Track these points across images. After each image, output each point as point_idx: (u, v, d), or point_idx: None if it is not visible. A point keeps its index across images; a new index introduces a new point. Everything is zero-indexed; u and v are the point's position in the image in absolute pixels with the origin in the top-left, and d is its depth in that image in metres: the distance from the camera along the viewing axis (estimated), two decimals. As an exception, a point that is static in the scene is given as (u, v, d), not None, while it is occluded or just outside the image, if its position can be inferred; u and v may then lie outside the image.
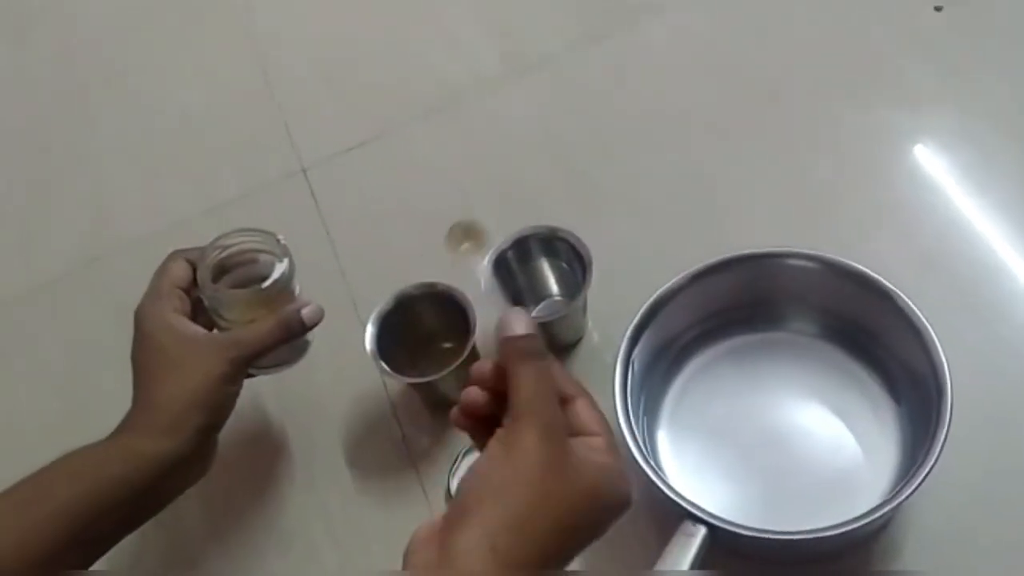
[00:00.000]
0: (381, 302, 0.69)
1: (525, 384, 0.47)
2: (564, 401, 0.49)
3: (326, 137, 0.88)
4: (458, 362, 0.66)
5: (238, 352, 0.60)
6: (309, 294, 0.78)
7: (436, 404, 0.72)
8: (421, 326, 0.71)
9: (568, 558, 0.47)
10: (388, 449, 0.71)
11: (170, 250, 0.82)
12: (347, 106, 0.90)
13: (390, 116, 0.88)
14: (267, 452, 0.72)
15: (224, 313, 0.62)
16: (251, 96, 0.91)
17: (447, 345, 0.72)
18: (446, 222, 0.81)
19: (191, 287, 0.62)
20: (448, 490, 0.68)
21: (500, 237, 0.71)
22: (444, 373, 0.66)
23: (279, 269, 0.62)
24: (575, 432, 0.48)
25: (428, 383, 0.67)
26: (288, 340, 0.62)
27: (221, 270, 0.63)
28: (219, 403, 0.60)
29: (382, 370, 0.67)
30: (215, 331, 0.63)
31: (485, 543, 0.44)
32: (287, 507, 0.70)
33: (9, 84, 0.97)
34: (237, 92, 0.92)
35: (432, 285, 0.69)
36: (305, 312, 0.62)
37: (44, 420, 0.78)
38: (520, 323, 0.48)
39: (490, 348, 0.73)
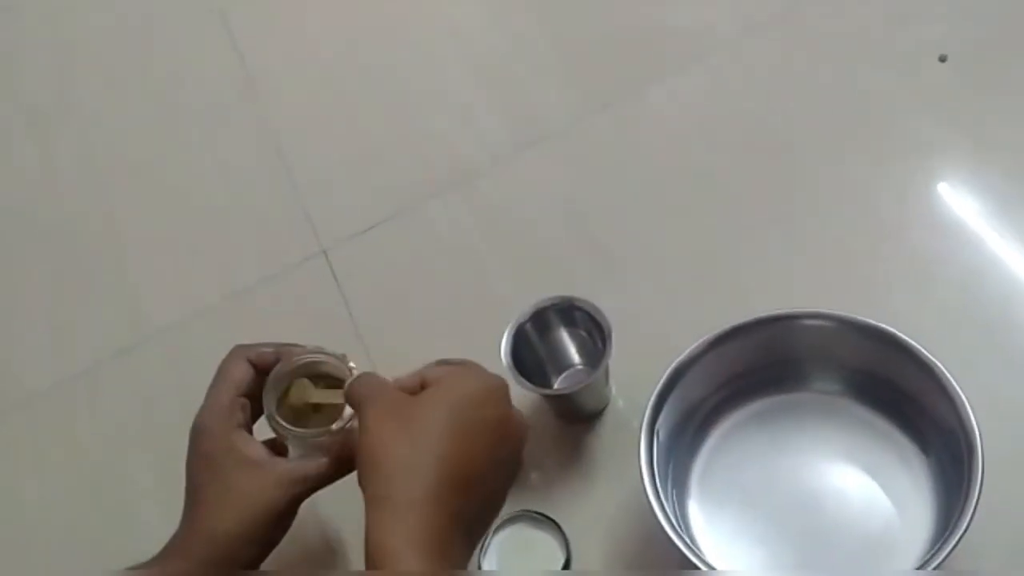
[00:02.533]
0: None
1: (354, 391, 0.55)
2: (421, 386, 0.55)
3: (344, 218, 0.89)
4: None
5: (302, 488, 0.58)
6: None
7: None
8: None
9: (475, 456, 0.50)
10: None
11: (197, 339, 0.84)
12: (363, 187, 0.91)
13: (406, 195, 0.89)
14: (296, 541, 0.72)
15: (287, 440, 0.61)
16: (270, 182, 0.93)
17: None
18: (465, 297, 0.82)
19: (253, 387, 0.60)
20: (479, 567, 0.67)
21: (519, 310, 0.71)
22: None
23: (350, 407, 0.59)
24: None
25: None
26: (352, 472, 0.59)
27: (286, 375, 0.61)
28: (275, 537, 0.59)
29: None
30: (274, 446, 0.61)
31: (372, 503, 0.49)
32: (305, 553, 0.70)
33: (35, 180, 1.00)
34: (257, 179, 0.94)
35: (452, 362, 0.70)
36: None
37: (77, 513, 0.78)
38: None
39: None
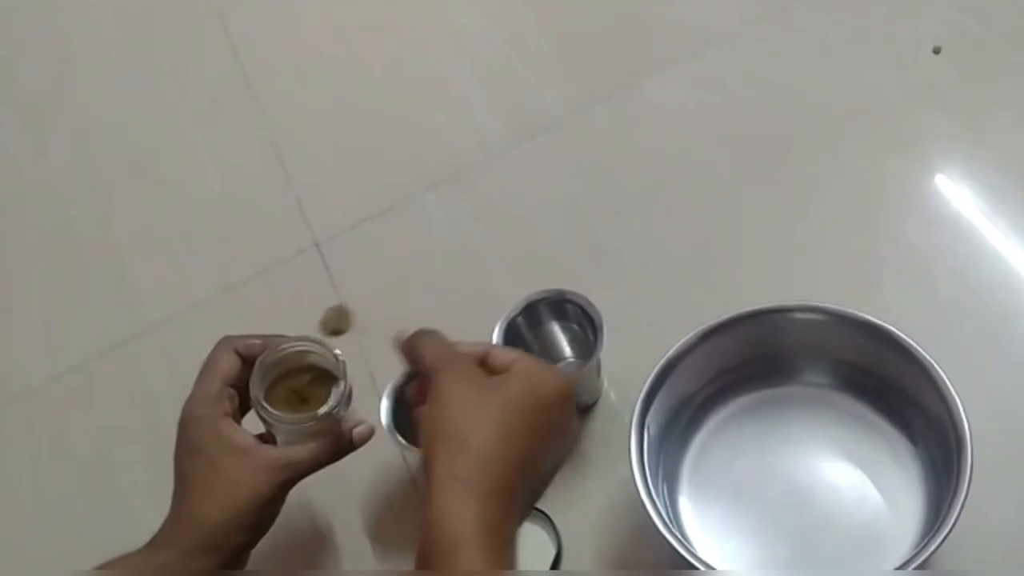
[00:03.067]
0: (395, 375, 0.69)
1: (426, 353, 0.56)
2: (481, 360, 0.56)
3: (337, 211, 0.89)
4: (474, 432, 0.66)
5: (289, 474, 0.59)
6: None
7: (456, 474, 0.72)
8: (410, 398, 0.71)
9: (540, 456, 0.52)
10: (408, 522, 0.71)
11: (192, 333, 0.84)
12: (357, 181, 0.91)
13: (400, 188, 0.89)
14: (289, 528, 0.72)
15: (274, 429, 0.61)
16: (264, 175, 0.93)
17: (464, 414, 0.72)
18: (459, 290, 0.82)
19: (240, 378, 0.61)
20: (471, 561, 0.68)
21: (512, 302, 0.71)
22: (461, 444, 0.66)
23: (336, 394, 0.61)
24: (496, 373, 0.55)
25: (446, 454, 0.67)
26: (338, 459, 0.62)
27: (273, 364, 0.62)
28: (263, 523, 0.59)
29: (399, 443, 0.67)
30: (263, 430, 0.62)
31: (451, 483, 0.49)
32: None
33: (31, 174, 1.00)
34: (250, 172, 0.94)
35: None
36: (356, 432, 0.62)
37: (71, 507, 0.78)
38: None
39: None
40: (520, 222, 0.85)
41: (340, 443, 0.61)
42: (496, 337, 0.69)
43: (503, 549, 0.49)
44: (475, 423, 0.51)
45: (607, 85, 0.91)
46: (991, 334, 0.71)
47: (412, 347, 0.57)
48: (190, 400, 0.60)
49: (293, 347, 0.62)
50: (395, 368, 0.70)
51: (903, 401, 0.64)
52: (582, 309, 0.69)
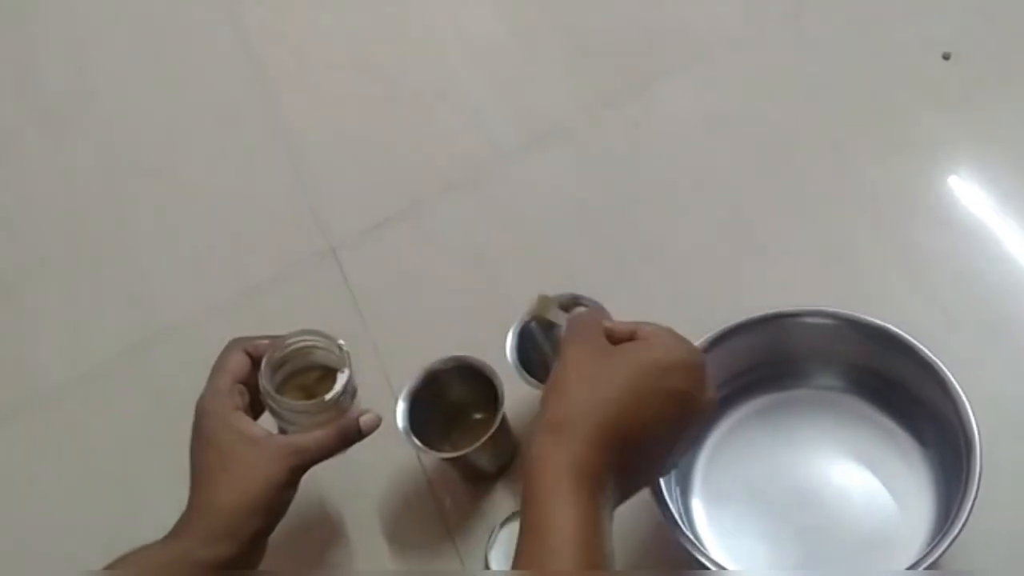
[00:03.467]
0: (412, 378, 0.71)
1: (568, 327, 0.57)
2: (629, 336, 0.56)
3: (353, 216, 0.90)
4: (488, 434, 0.67)
5: (299, 460, 0.60)
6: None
7: (471, 476, 0.73)
8: (451, 399, 0.73)
9: (653, 420, 0.52)
10: (425, 522, 0.72)
11: (210, 336, 0.84)
12: (372, 184, 0.92)
13: (414, 192, 0.90)
14: (305, 529, 0.74)
15: (284, 419, 0.63)
16: (280, 180, 0.94)
17: (478, 416, 0.73)
18: (473, 294, 0.83)
19: (250, 378, 0.63)
20: (486, 562, 0.69)
21: (526, 306, 0.72)
22: (475, 446, 0.67)
23: (341, 380, 0.63)
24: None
25: (461, 457, 0.68)
26: (346, 447, 0.63)
27: (281, 362, 0.64)
28: (276, 509, 0.60)
29: (415, 446, 0.68)
30: (276, 432, 0.63)
31: (548, 428, 0.51)
32: None
33: (50, 179, 1.01)
34: (266, 177, 0.95)
35: (460, 359, 0.71)
36: (363, 420, 0.64)
37: (91, 507, 0.80)
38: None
39: (520, 417, 0.74)
40: (532, 225, 0.86)
41: (347, 431, 0.63)
42: (510, 341, 0.70)
43: (592, 491, 0.49)
44: (577, 381, 0.53)
45: (618, 89, 0.92)
46: (1000, 336, 0.72)
47: (567, 325, 0.59)
48: (203, 396, 0.62)
49: (298, 341, 0.64)
50: (410, 368, 0.71)
51: (912, 403, 0.65)
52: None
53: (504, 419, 0.69)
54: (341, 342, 0.64)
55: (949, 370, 0.61)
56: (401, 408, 0.69)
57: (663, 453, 0.55)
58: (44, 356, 0.89)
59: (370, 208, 0.90)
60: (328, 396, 0.62)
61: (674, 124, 0.89)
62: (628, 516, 0.68)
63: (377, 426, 0.64)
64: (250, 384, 0.63)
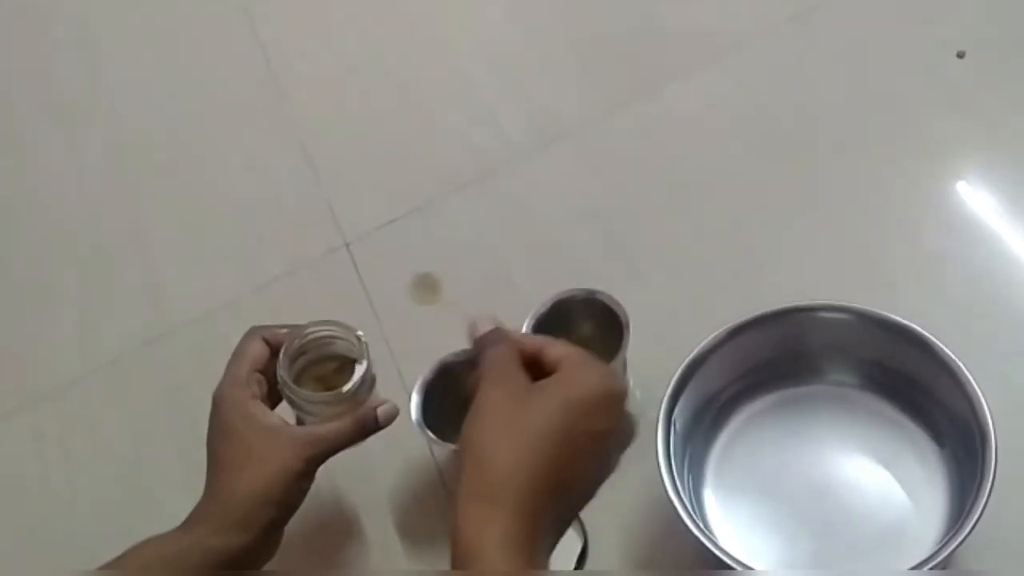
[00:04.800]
0: (425, 370, 0.71)
1: (481, 358, 0.56)
2: (535, 357, 0.55)
3: (366, 212, 0.90)
4: (502, 428, 0.67)
5: (316, 450, 0.60)
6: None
7: (483, 469, 0.73)
8: (465, 392, 0.72)
9: (577, 467, 0.50)
10: (438, 515, 0.72)
11: (223, 331, 0.84)
12: (385, 181, 0.93)
13: (427, 189, 0.90)
14: (318, 521, 0.74)
15: (302, 409, 0.63)
16: (293, 176, 0.95)
17: (490, 411, 0.73)
18: (485, 290, 0.83)
19: (268, 367, 0.63)
20: (498, 555, 0.69)
21: (537, 302, 0.72)
22: (489, 439, 0.67)
23: (359, 371, 0.63)
24: (549, 373, 0.54)
25: (474, 449, 0.68)
26: (364, 438, 0.63)
27: (300, 352, 0.64)
28: (292, 499, 0.60)
29: (428, 438, 0.68)
30: (293, 422, 0.63)
31: (472, 502, 0.48)
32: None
33: (64, 174, 1.01)
34: (280, 174, 0.96)
35: (473, 352, 0.71)
36: (381, 411, 0.63)
37: (105, 502, 0.80)
38: (485, 322, 0.58)
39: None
40: (545, 223, 0.86)
41: (365, 422, 0.63)
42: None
43: (531, 559, 0.47)
44: (508, 435, 0.49)
45: (630, 88, 0.92)
46: (1011, 334, 0.72)
47: (477, 347, 0.57)
48: (221, 384, 0.62)
49: (317, 332, 0.64)
50: (424, 364, 0.71)
51: (927, 400, 0.65)
52: (609, 308, 0.70)
53: (517, 413, 0.69)
54: (359, 333, 0.64)
55: (964, 365, 0.61)
56: (415, 400, 0.69)
57: (594, 489, 0.53)
58: (57, 350, 0.89)
59: (383, 205, 0.90)
60: (346, 388, 0.62)
61: (686, 124, 0.89)
62: (640, 510, 0.69)
63: (395, 417, 0.64)
64: (268, 373, 0.63)
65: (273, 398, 0.64)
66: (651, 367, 0.70)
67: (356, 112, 0.98)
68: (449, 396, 0.71)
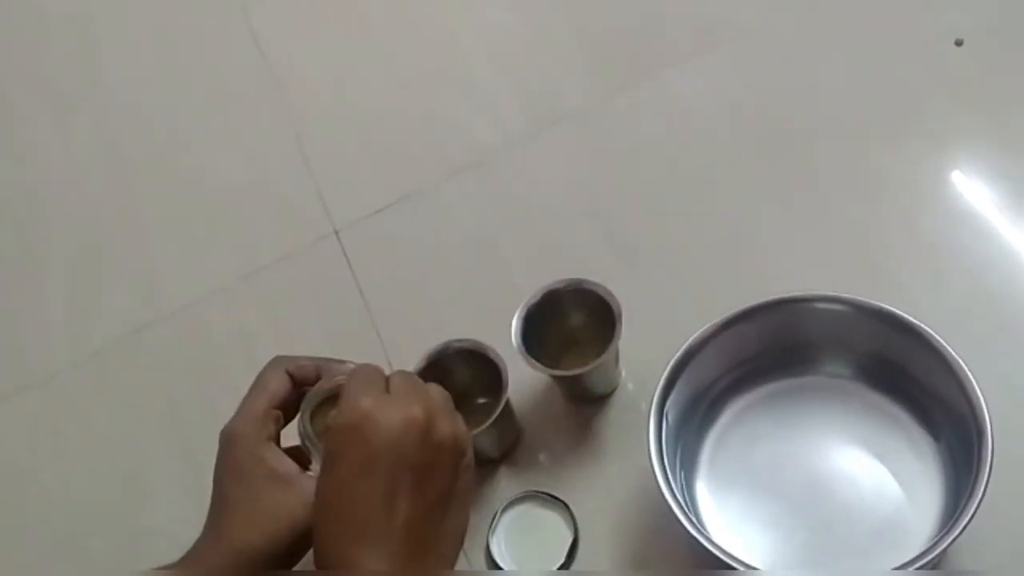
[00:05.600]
0: (415, 361, 0.70)
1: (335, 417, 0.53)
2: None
3: (357, 199, 0.89)
4: (493, 418, 0.67)
5: None
6: (345, 354, 0.79)
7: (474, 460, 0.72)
8: (455, 383, 0.71)
9: (431, 516, 0.50)
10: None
11: (214, 318, 0.85)
12: (376, 168, 0.92)
13: (420, 176, 0.89)
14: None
15: (316, 458, 0.59)
16: (285, 163, 0.94)
17: (481, 401, 0.72)
18: (477, 278, 0.82)
19: (288, 401, 0.59)
20: (488, 548, 0.68)
21: (530, 291, 0.71)
22: (479, 430, 0.66)
23: None
24: None
25: (464, 440, 0.68)
26: None
27: (327, 395, 0.59)
28: (298, 552, 0.57)
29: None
30: (300, 459, 0.59)
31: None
32: None
33: (55, 161, 1.01)
34: (271, 160, 0.95)
35: (464, 342, 0.70)
36: None
37: (97, 489, 0.79)
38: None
39: (523, 402, 0.74)
40: (539, 211, 0.85)
41: None
42: (516, 325, 0.69)
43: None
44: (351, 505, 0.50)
45: (628, 77, 0.91)
46: (1010, 329, 0.71)
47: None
48: (235, 418, 0.59)
49: (341, 367, 0.60)
50: (412, 353, 0.70)
51: (923, 392, 0.64)
52: (601, 298, 0.69)
53: (508, 404, 0.68)
54: None
55: (961, 358, 0.60)
56: (404, 391, 0.68)
57: (452, 516, 0.52)
58: (49, 337, 0.89)
59: (375, 192, 0.90)
60: None
61: (684, 111, 0.88)
62: (631, 502, 0.68)
63: None
64: (287, 408, 0.59)
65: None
66: (643, 359, 0.69)
67: (348, 98, 0.97)
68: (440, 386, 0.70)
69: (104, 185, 0.97)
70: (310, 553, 0.57)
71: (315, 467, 0.59)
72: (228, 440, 0.58)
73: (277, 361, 0.61)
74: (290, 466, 0.58)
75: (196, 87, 1.02)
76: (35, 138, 1.03)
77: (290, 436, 0.60)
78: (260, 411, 0.58)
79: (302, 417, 0.59)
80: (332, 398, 0.60)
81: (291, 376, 0.60)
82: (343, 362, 0.61)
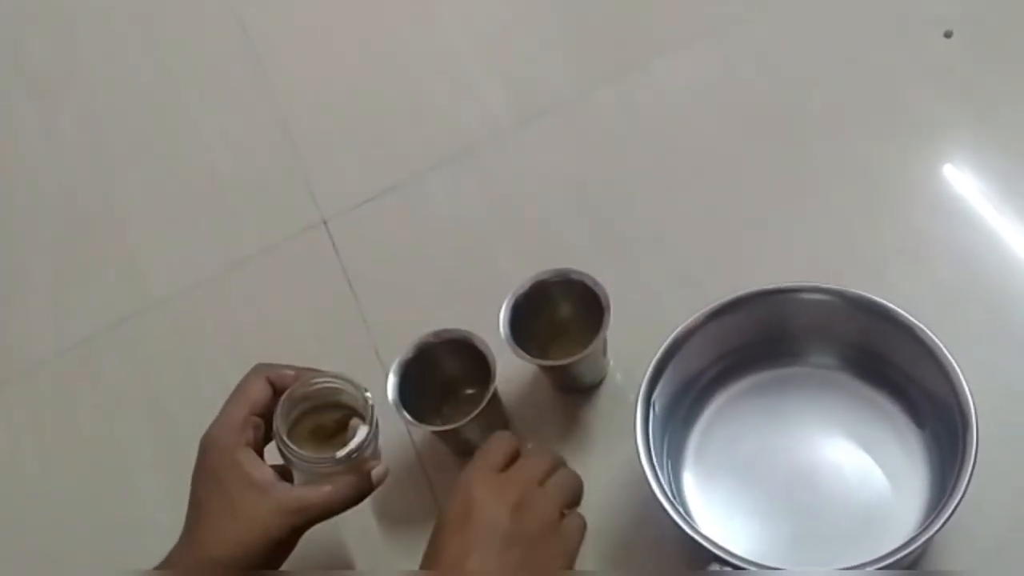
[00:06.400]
0: (403, 351, 0.70)
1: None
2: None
3: (345, 189, 0.89)
4: (479, 408, 0.67)
5: (303, 519, 0.57)
6: (332, 345, 0.79)
7: (462, 451, 0.72)
8: (443, 373, 0.72)
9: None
10: (415, 498, 0.72)
11: (199, 309, 0.84)
12: (364, 158, 0.91)
13: (407, 166, 0.89)
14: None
15: (293, 465, 0.59)
16: (271, 152, 0.93)
17: (469, 391, 0.72)
18: (465, 269, 0.82)
19: (268, 407, 0.60)
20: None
21: (518, 281, 0.71)
22: (466, 421, 0.66)
23: (360, 435, 0.59)
24: None
25: (452, 430, 0.68)
26: (357, 503, 0.60)
27: (303, 398, 0.61)
28: (273, 562, 0.57)
29: (405, 420, 0.67)
30: (282, 470, 0.60)
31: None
32: (314, 560, 0.70)
33: (37, 149, 1.00)
34: (257, 149, 0.94)
35: (452, 332, 0.70)
36: (375, 473, 0.60)
37: (76, 483, 0.79)
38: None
39: (511, 392, 0.74)
40: (526, 201, 0.85)
41: (359, 486, 0.59)
42: (504, 315, 0.69)
43: None
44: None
45: (615, 65, 0.91)
46: (996, 320, 0.71)
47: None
48: (214, 424, 0.59)
49: (323, 383, 0.61)
50: (400, 343, 0.70)
51: (908, 382, 0.64)
52: (589, 288, 0.69)
53: (496, 394, 0.68)
54: (368, 394, 0.60)
55: (946, 347, 0.60)
56: (392, 381, 0.68)
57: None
58: (30, 329, 0.88)
59: (362, 181, 0.89)
60: (340, 454, 0.58)
61: (673, 101, 0.88)
62: (618, 490, 0.68)
63: (385, 477, 0.61)
64: (267, 415, 0.60)
65: (269, 439, 0.60)
66: (632, 350, 0.69)
67: (336, 87, 0.97)
68: (427, 377, 0.70)
69: (87, 172, 0.97)
70: (308, 553, 0.58)
71: (297, 477, 0.60)
72: (205, 446, 0.58)
73: (259, 368, 0.61)
74: (266, 473, 0.57)
75: (179, 73, 1.01)
76: (15, 124, 1.01)
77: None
78: (239, 418, 0.58)
79: (277, 419, 0.59)
80: (316, 408, 0.61)
81: (272, 384, 0.60)
82: (321, 371, 0.61)
